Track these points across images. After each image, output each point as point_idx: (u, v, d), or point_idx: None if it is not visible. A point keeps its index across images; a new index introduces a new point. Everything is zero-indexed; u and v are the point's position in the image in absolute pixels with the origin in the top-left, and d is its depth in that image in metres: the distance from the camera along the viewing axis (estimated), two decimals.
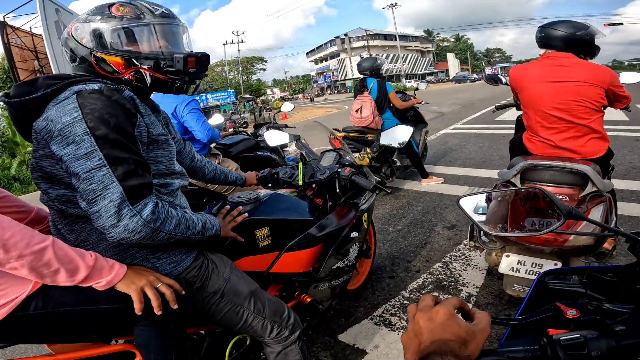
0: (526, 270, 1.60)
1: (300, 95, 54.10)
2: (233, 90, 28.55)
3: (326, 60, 69.19)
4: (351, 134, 3.86)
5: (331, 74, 63.98)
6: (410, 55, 65.32)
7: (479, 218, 1.04)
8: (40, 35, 9.30)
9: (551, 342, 0.48)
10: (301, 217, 1.49)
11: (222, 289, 1.12)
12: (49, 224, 1.07)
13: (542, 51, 2.02)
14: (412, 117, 4.55)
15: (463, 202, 0.78)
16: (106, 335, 1.07)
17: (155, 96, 1.20)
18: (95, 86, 0.92)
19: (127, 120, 0.92)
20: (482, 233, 1.88)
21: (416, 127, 4.47)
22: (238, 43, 47.93)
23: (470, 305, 1.94)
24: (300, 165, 1.65)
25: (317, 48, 73.31)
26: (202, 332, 1.26)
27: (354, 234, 1.66)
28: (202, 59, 1.08)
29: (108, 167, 0.85)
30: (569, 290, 0.69)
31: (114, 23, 0.99)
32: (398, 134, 3.40)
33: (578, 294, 0.68)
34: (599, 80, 1.80)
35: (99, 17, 1.00)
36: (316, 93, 57.06)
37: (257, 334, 1.20)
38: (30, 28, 9.64)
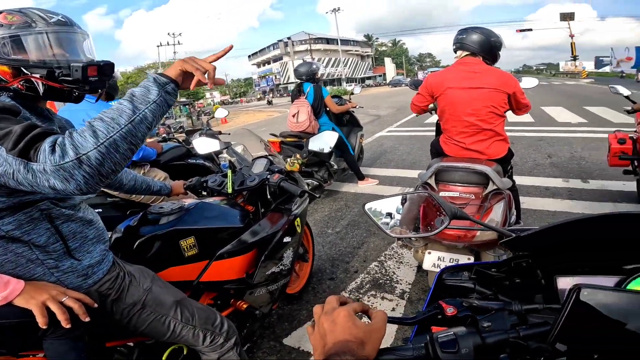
0: (446, 266, 1.74)
1: (239, 100, 52.97)
2: None
3: (269, 63, 68.80)
4: (288, 139, 3.88)
5: (274, 78, 63.69)
6: (351, 59, 67.50)
7: (399, 217, 1.12)
8: None
9: (431, 340, 0.51)
10: (229, 224, 1.48)
11: (143, 300, 1.10)
12: None
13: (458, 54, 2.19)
14: (348, 120, 4.70)
15: (368, 207, 0.84)
16: (12, 350, 1.01)
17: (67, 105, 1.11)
18: None
19: (2, 107, 0.84)
20: None
21: (352, 131, 4.63)
22: (174, 45, 45.58)
23: (403, 302, 2.08)
24: (229, 172, 1.64)
25: (260, 51, 72.63)
26: (131, 344, 1.22)
27: (287, 239, 1.69)
28: (104, 68, 1.02)
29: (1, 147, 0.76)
30: (460, 286, 0.75)
31: (0, 31, 0.93)
32: (326, 139, 3.51)
33: (468, 289, 0.74)
34: (505, 86, 2.01)
35: None
36: (258, 97, 56.33)
37: (189, 343, 1.19)
38: None
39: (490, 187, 1.78)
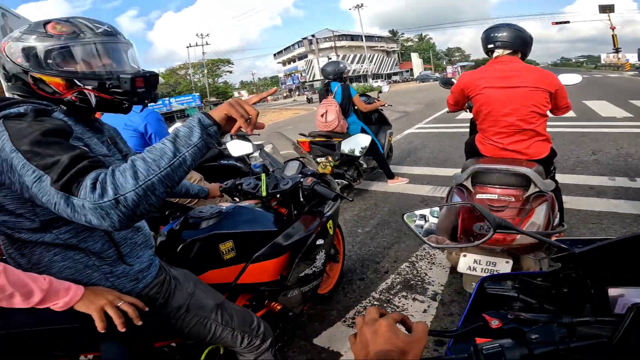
0: (482, 269, 1.70)
1: (269, 97, 53.67)
2: (198, 93, 27.84)
3: (294, 61, 69.23)
4: (317, 139, 3.89)
5: (299, 75, 64.02)
6: (376, 55, 66.66)
7: (434, 221, 1.10)
8: None
9: (476, 351, 0.52)
10: (265, 228, 1.51)
11: (187, 304, 1.12)
12: (2, 250, 1.03)
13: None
14: (376, 119, 4.65)
15: (407, 218, 0.83)
16: (72, 353, 1.06)
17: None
18: (22, 109, 0.88)
19: (56, 128, 0.86)
20: None
21: (381, 129, 4.58)
22: (202, 45, 46.89)
23: (435, 304, 2.05)
24: (263, 176, 1.67)
25: (285, 49, 73.19)
26: (173, 344, 1.26)
27: (320, 241, 1.70)
28: (150, 79, 1.05)
29: (46, 174, 0.78)
30: (503, 295, 0.74)
31: (51, 42, 0.94)
32: (358, 142, 3.49)
33: (511, 298, 0.73)
34: (546, 84, 1.92)
35: (34, 36, 0.95)
36: (285, 94, 56.84)
37: (228, 344, 1.21)
38: None
39: (532, 189, 1.71)
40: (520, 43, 2.01)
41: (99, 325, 0.91)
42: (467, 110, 2.47)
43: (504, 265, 1.67)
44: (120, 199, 0.76)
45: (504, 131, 2.01)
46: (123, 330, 0.94)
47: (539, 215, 1.60)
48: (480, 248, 1.65)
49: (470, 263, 1.71)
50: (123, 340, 1.00)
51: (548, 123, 2.02)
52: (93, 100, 0.99)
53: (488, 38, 2.08)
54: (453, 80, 2.96)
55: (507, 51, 2.03)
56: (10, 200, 0.88)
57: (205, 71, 52.72)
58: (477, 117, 2.16)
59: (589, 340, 0.51)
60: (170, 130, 3.29)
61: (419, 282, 2.34)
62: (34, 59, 0.95)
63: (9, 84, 1.00)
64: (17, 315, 0.89)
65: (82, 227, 0.94)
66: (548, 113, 2.03)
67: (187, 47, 47.65)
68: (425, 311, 2.05)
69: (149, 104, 1.12)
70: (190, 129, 0.86)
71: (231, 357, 1.35)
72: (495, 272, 1.68)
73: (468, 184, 1.81)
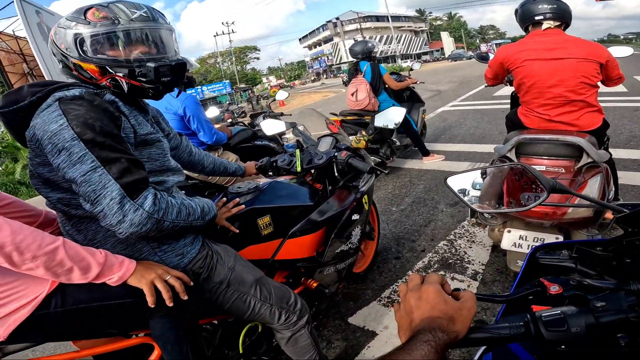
0: (528, 246, 1.61)
1: (297, 82, 53.59)
2: (228, 80, 28.24)
3: (320, 45, 68.27)
4: (348, 117, 3.85)
5: (326, 59, 63.19)
6: (404, 35, 64.36)
7: (475, 194, 1.03)
8: (24, 37, 9.08)
9: (534, 319, 0.49)
10: (301, 203, 1.50)
11: (228, 279, 1.14)
12: (59, 226, 1.09)
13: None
14: (408, 97, 4.53)
15: (450, 181, 0.78)
16: (124, 329, 1.10)
17: None
18: (76, 92, 0.93)
19: (111, 123, 0.92)
20: None
21: (413, 107, 4.45)
22: (229, 34, 47.22)
23: (476, 283, 1.98)
24: (298, 152, 1.65)
25: (310, 34, 72.32)
26: (215, 322, 1.29)
27: (355, 217, 1.67)
28: (176, 67, 1.04)
29: (102, 167, 0.86)
30: (559, 266, 0.69)
31: (88, 30, 0.97)
32: (392, 115, 3.41)
33: (568, 269, 0.68)
34: (596, 56, 1.82)
35: (74, 23, 0.98)
36: (312, 78, 56.41)
37: (266, 320, 1.22)
38: (14, 31, 9.45)
39: (584, 159, 1.58)
40: (568, 14, 1.93)
41: (150, 300, 0.93)
42: (507, 83, 2.40)
43: (543, 244, 1.58)
44: (161, 221, 0.93)
45: (551, 102, 1.91)
46: (171, 304, 0.96)
47: (593, 187, 1.48)
48: (526, 223, 1.56)
49: (516, 239, 1.62)
50: (171, 317, 1.02)
51: (598, 98, 1.89)
52: (125, 86, 1.01)
53: (532, 9, 1.97)
54: (490, 55, 2.87)
55: (556, 23, 1.93)
56: (63, 178, 0.91)
57: (234, 59, 53.23)
58: (519, 89, 2.07)
59: None
60: (207, 113, 3.36)
61: (458, 261, 2.27)
62: (74, 45, 0.98)
63: (61, 67, 1.05)
64: (77, 291, 0.92)
65: None
66: (599, 84, 1.90)
67: (214, 36, 48.13)
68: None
69: (186, 89, 1.14)
70: (209, 211, 1.11)
71: (268, 336, 1.37)
72: None
73: (512, 155, 1.71)
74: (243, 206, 1.33)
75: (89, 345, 1.10)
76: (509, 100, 2.68)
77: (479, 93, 9.35)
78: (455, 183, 0.83)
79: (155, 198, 0.92)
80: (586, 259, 0.68)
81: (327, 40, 64.95)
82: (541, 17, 1.94)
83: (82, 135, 0.86)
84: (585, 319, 0.47)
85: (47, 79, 1.05)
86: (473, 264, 2.21)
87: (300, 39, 78.16)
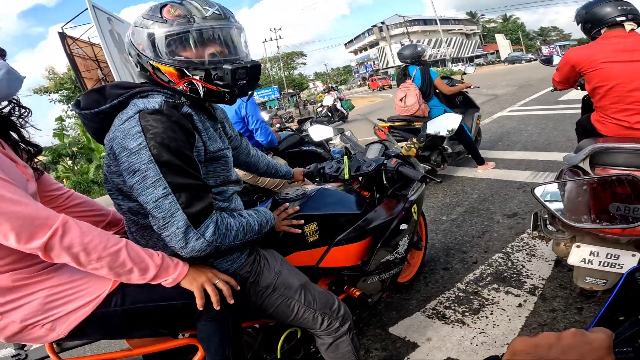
0: (600, 262, 1.45)
1: (342, 87, 53.77)
2: (277, 86, 29.09)
3: (365, 50, 67.96)
4: (397, 124, 3.76)
5: (372, 63, 62.72)
6: (454, 38, 62.03)
7: (553, 206, 0.94)
8: (98, 44, 9.66)
9: None
10: (348, 210, 1.48)
11: (274, 283, 1.14)
12: (124, 226, 1.16)
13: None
14: (461, 102, 4.33)
15: (538, 192, 0.71)
16: (174, 330, 1.15)
17: None
18: (156, 104, 0.92)
19: (186, 143, 0.93)
20: (547, 222, 1.74)
21: (467, 112, 4.25)
22: (277, 40, 48.62)
23: (534, 298, 1.82)
24: (346, 158, 1.63)
25: (355, 38, 72.19)
26: (257, 326, 1.31)
27: (404, 226, 1.62)
28: (252, 70, 1.00)
29: (173, 195, 0.89)
30: None
31: (164, 29, 0.94)
32: (446, 122, 3.27)
33: None
34: None
35: (151, 22, 0.95)
36: (359, 83, 56.28)
37: (308, 325, 1.21)
38: (89, 38, 10.10)
39: None
40: (632, 16, 1.82)
41: (199, 303, 0.96)
42: (578, 88, 2.28)
43: (630, 259, 1.40)
44: (219, 246, 0.96)
45: (631, 108, 1.77)
46: (218, 308, 0.98)
47: None
48: (600, 238, 1.41)
49: (586, 255, 1.47)
50: (217, 320, 1.04)
51: None
52: (201, 90, 0.99)
53: (611, 11, 1.85)
54: (554, 57, 2.72)
55: (636, 25, 1.83)
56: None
57: (281, 64, 54.72)
58: (594, 94, 1.94)
59: None
60: (263, 115, 3.47)
61: (514, 275, 2.11)
62: (151, 46, 0.96)
63: (138, 70, 1.04)
64: (133, 291, 0.96)
65: None
66: None
67: (263, 42, 49.75)
68: (520, 305, 1.85)
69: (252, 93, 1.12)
70: (267, 223, 1.14)
71: (307, 342, 1.37)
72: (618, 266, 1.42)
73: (585, 165, 1.56)
74: (297, 207, 1.34)
75: (139, 344, 1.16)
76: (578, 105, 2.49)
77: (542, 97, 8.71)
78: (542, 192, 0.76)
79: (216, 226, 0.94)
80: None
81: (372, 45, 64.46)
82: (623, 17, 1.82)
83: (158, 157, 0.87)
84: None
85: (127, 82, 1.09)
86: (532, 279, 2.05)
87: (345, 44, 78.33)
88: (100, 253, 0.86)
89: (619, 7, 1.85)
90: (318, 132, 2.21)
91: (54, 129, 12.20)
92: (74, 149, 11.96)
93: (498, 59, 57.41)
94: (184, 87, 0.99)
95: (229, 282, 1.03)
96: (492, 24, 73.87)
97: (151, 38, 0.95)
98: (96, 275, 0.92)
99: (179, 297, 0.98)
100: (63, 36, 9.63)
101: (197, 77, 0.97)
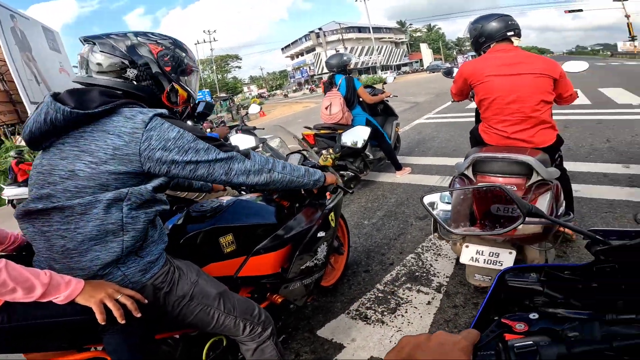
0: (484, 260, 1.68)
1: (277, 92, 53.68)
2: (208, 90, 27.99)
3: (302, 55, 68.85)
4: (322, 131, 3.88)
5: (308, 69, 63.73)
6: (384, 46, 65.77)
7: (444, 207, 1.07)
8: None
9: (505, 348, 0.48)
10: (265, 221, 1.52)
11: (191, 292, 1.16)
12: (9, 243, 1.14)
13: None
14: (382, 110, 4.62)
15: (427, 200, 0.80)
16: (76, 344, 1.10)
17: None
18: (162, 111, 1.08)
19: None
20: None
21: (387, 120, 4.55)
22: (210, 42, 46.97)
23: (440, 295, 2.03)
24: None
25: (293, 43, 72.82)
26: (177, 336, 1.29)
27: (321, 234, 1.70)
28: (207, 106, 1.42)
29: (220, 151, 1.11)
30: (526, 288, 0.69)
31: (191, 63, 1.23)
32: (357, 135, 3.47)
33: (535, 291, 0.68)
34: (550, 71, 1.89)
35: (184, 54, 1.21)
36: (294, 88, 56.70)
37: (231, 332, 1.24)
38: None
39: (535, 177, 1.68)
40: (508, 30, 2.03)
41: (99, 317, 0.95)
42: (471, 99, 2.43)
43: (507, 256, 1.65)
44: (272, 170, 1.22)
45: (509, 119, 1.97)
46: (122, 322, 0.97)
47: (542, 204, 1.57)
48: (482, 238, 1.63)
49: (473, 254, 1.69)
50: (124, 332, 1.02)
51: (562, 111, 2.01)
52: (185, 114, 1.31)
53: (502, 26, 2.03)
54: (454, 69, 2.94)
55: (519, 40, 2.04)
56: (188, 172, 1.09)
57: (214, 67, 52.87)
58: (480, 105, 2.13)
59: (634, 340, 0.46)
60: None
61: (424, 274, 2.33)
62: (182, 72, 1.20)
63: (135, 82, 1.12)
64: (25, 308, 0.93)
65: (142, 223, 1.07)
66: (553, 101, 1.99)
67: (195, 44, 47.69)
68: (429, 303, 2.04)
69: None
70: (316, 175, 1.39)
71: (233, 350, 1.38)
72: (498, 263, 1.66)
73: (469, 173, 1.79)
74: None
75: (40, 358, 1.09)
76: None
77: (453, 106, 9.61)
78: (430, 200, 0.86)
79: (262, 156, 1.23)
80: (554, 282, 0.69)
81: (309, 50, 65.57)
82: (512, 32, 2.02)
83: (196, 135, 1.08)
84: (557, 349, 0.47)
85: (110, 91, 1.10)
86: (438, 277, 2.28)
87: (282, 49, 78.63)
88: None
89: (509, 22, 2.03)
90: (241, 142, 2.22)
91: None
92: None
93: (421, 67, 62.12)
94: (180, 110, 1.26)
95: (133, 296, 1.02)
96: (418, 33, 79.59)
97: (184, 66, 1.20)
98: None
99: (77, 313, 0.96)
100: None
101: (191, 105, 1.30)
